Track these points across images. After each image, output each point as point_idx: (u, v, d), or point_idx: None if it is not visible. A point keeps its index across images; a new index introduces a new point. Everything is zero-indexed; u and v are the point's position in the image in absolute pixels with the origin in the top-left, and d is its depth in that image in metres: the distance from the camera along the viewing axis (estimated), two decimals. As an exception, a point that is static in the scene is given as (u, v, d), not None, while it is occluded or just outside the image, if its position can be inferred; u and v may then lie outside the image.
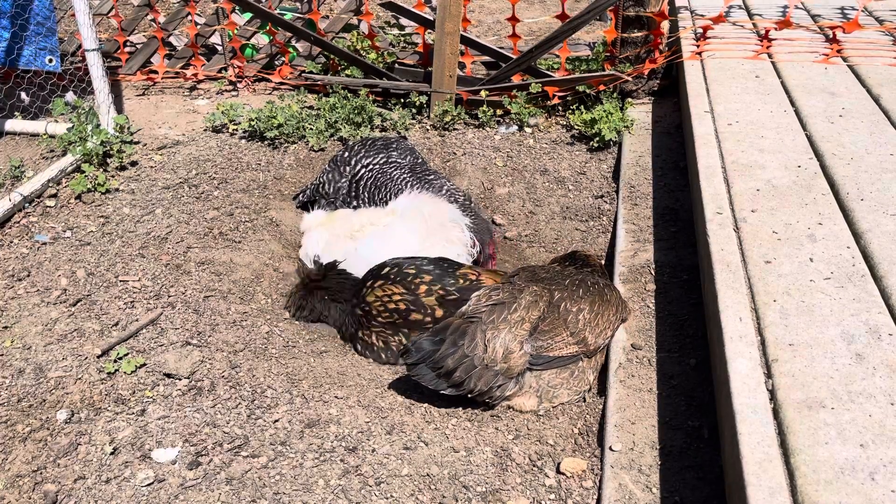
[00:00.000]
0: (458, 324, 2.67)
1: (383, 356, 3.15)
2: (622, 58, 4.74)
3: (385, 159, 4.08)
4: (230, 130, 4.83)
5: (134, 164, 4.41)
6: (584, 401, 2.70)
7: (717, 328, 2.28)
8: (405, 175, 4.00)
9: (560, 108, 4.82)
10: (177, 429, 2.54)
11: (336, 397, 2.74)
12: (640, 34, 4.66)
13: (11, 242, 3.72)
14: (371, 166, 4.06)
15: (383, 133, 4.75)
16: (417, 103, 4.92)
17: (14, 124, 4.87)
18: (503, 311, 2.65)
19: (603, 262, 3.64)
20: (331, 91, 5.11)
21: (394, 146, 4.17)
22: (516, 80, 4.88)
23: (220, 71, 5.64)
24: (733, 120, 3.56)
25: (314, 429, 2.55)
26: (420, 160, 4.17)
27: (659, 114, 4.65)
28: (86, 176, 4.13)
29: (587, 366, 2.71)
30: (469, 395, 2.63)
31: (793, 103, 3.73)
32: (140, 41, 5.92)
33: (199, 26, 5.53)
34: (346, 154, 4.17)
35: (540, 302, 2.71)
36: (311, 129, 4.72)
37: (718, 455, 2.22)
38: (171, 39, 5.87)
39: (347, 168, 4.09)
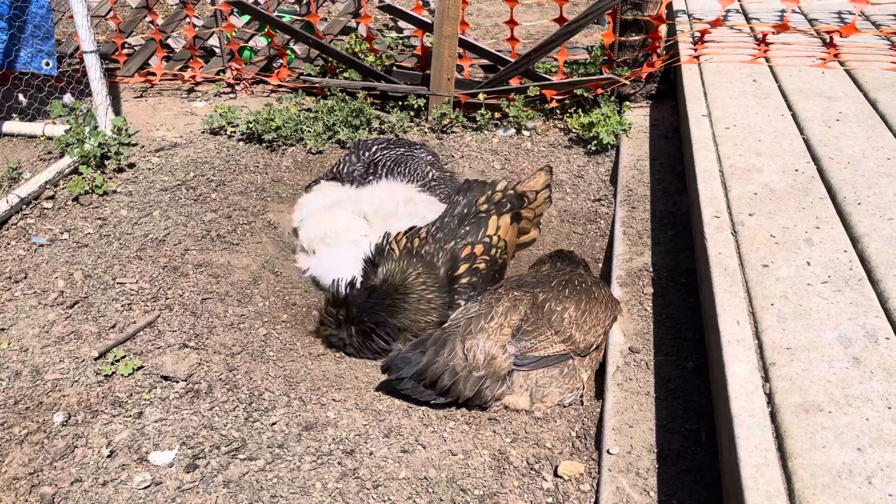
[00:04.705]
0: (438, 335, 2.76)
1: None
2: (620, 61, 4.75)
3: (405, 152, 4.20)
4: (228, 133, 4.83)
5: (132, 165, 4.41)
6: (582, 404, 2.71)
7: (714, 332, 2.28)
8: (424, 164, 4.11)
9: (558, 111, 4.83)
10: (174, 431, 2.54)
11: (334, 400, 2.73)
12: (637, 38, 4.67)
13: (9, 244, 3.72)
14: (389, 154, 4.17)
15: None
16: (415, 106, 4.92)
17: (11, 126, 4.87)
18: (479, 321, 2.74)
19: (601, 265, 3.66)
20: (329, 94, 5.11)
21: (417, 146, 4.31)
22: (514, 83, 4.89)
23: (218, 73, 5.64)
24: (731, 124, 3.56)
25: (312, 432, 2.54)
26: (439, 164, 4.27)
27: (656, 117, 4.66)
28: (83, 178, 4.12)
29: (579, 364, 2.73)
30: (460, 402, 2.67)
31: (790, 107, 3.74)
32: (138, 43, 5.91)
33: (197, 28, 5.53)
34: (368, 141, 4.30)
35: (520, 305, 2.78)
36: (309, 131, 4.72)
37: (716, 459, 2.22)
38: (170, 41, 5.87)
39: (366, 154, 4.18)
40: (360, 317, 3.13)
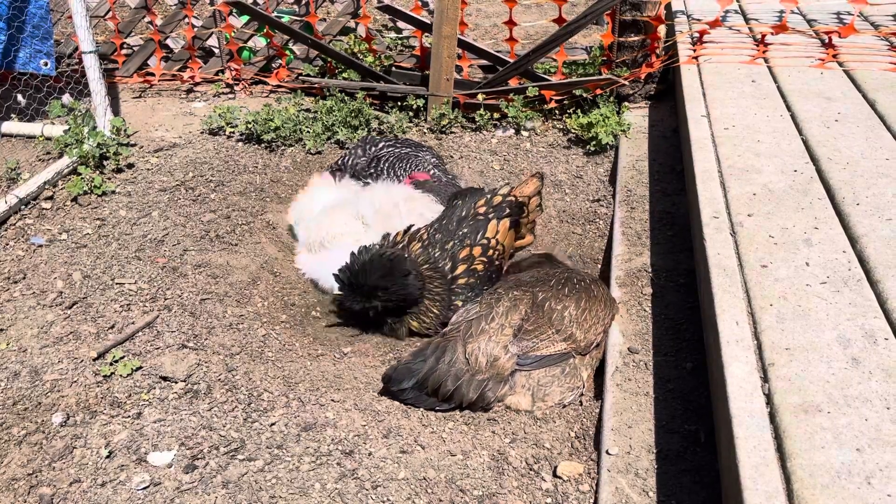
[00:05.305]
0: (438, 342, 2.77)
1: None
2: (619, 62, 4.75)
3: (410, 151, 4.25)
4: (227, 133, 4.82)
5: (130, 166, 4.40)
6: (581, 404, 2.71)
7: (713, 332, 2.28)
8: (428, 165, 4.17)
9: (557, 111, 4.83)
10: (173, 432, 2.54)
11: (332, 401, 2.73)
12: (636, 38, 4.67)
13: (7, 245, 3.71)
14: (393, 151, 4.23)
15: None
16: (414, 106, 4.92)
17: (10, 126, 4.86)
18: (480, 322, 2.74)
19: (600, 266, 3.66)
20: (328, 94, 5.11)
21: (423, 147, 4.36)
22: (513, 83, 4.89)
23: (217, 73, 5.64)
24: (730, 124, 3.56)
25: (310, 432, 2.54)
26: (443, 166, 4.30)
27: (655, 118, 4.66)
28: (82, 178, 4.12)
29: (579, 363, 2.74)
30: (463, 406, 2.68)
31: (789, 108, 3.74)
32: (137, 43, 5.91)
33: (196, 29, 5.53)
34: (377, 138, 4.41)
35: (520, 305, 2.78)
36: (308, 131, 4.72)
37: (715, 459, 2.22)
38: (168, 42, 5.87)
39: (373, 148, 4.26)
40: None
